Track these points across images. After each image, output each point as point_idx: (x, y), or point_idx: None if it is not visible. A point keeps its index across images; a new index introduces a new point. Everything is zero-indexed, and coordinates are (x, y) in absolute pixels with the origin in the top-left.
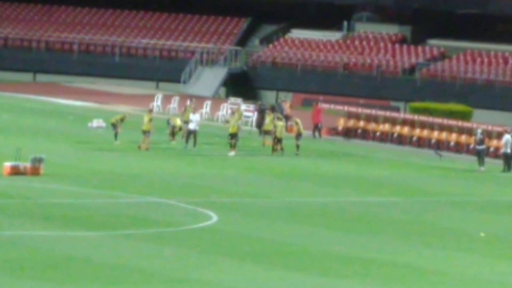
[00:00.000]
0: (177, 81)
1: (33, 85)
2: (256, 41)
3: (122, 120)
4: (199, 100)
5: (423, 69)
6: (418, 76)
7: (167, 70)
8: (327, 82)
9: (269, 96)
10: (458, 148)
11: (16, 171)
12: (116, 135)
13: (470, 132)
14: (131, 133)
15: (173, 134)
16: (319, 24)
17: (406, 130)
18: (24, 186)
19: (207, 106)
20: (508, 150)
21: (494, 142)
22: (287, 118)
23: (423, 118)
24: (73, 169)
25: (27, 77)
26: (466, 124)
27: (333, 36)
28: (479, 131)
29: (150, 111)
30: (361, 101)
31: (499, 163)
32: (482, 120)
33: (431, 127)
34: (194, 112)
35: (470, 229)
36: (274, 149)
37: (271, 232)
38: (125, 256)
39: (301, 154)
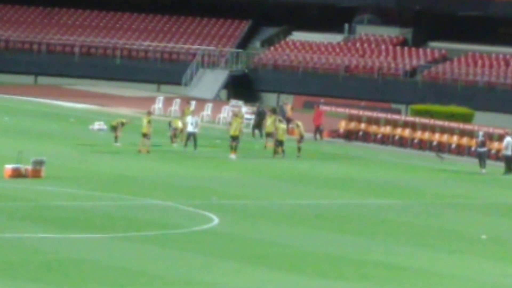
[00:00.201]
0: (178, 83)
1: (34, 87)
2: (257, 44)
3: (123, 124)
4: (200, 102)
5: (424, 71)
6: (419, 78)
7: (168, 73)
8: (328, 85)
9: (270, 99)
10: (460, 150)
11: (17, 174)
12: (116, 138)
13: (471, 134)
14: (132, 135)
15: (174, 136)
16: (320, 26)
17: (407, 132)
18: (25, 189)
19: (208, 109)
20: (509, 153)
21: (495, 145)
22: (288, 120)
23: (424, 120)
24: (74, 171)
25: (28, 79)
26: (467, 127)
27: (334, 38)
28: (481, 133)
29: (149, 113)
30: (362, 103)
31: (501, 165)
32: (484, 123)
33: (433, 129)
34: (193, 115)
35: (471, 232)
36: (275, 152)
37: (272, 234)
38: (127, 259)
39: (302, 156)
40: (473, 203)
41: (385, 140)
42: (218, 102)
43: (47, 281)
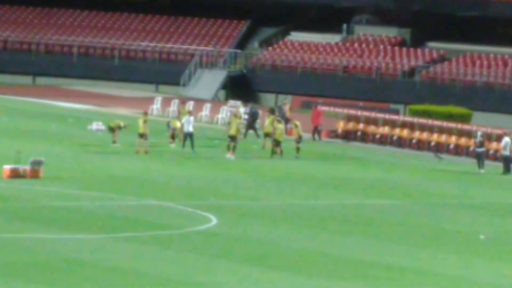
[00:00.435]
0: (177, 84)
1: (32, 87)
2: (255, 44)
3: (120, 128)
4: (199, 103)
5: (423, 71)
6: (417, 78)
7: (167, 73)
8: (327, 85)
9: (268, 99)
10: (458, 150)
11: (15, 174)
12: (114, 138)
13: (469, 134)
14: (130, 136)
15: (173, 137)
16: (319, 26)
17: (405, 132)
18: (23, 189)
19: (206, 109)
20: (508, 153)
21: (493, 145)
22: (286, 120)
23: (422, 120)
24: (72, 171)
25: (26, 79)
26: (465, 127)
27: (333, 38)
28: (479, 133)
29: (145, 113)
30: (361, 103)
31: (499, 165)
32: (482, 123)
33: (431, 129)
34: (190, 115)
35: (470, 232)
36: (273, 152)
37: (271, 234)
38: (125, 259)
39: (301, 156)
40: (471, 203)
41: (384, 140)
42: (216, 102)
43: (45, 282)
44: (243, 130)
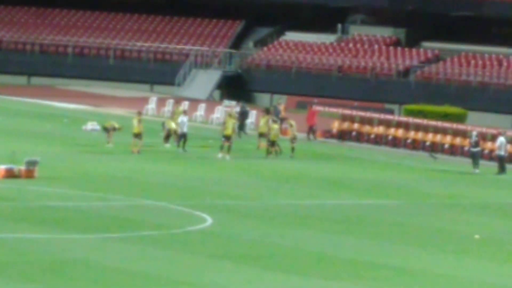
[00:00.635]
0: (171, 84)
1: (27, 88)
2: (250, 44)
3: (115, 129)
4: (193, 103)
5: (418, 71)
6: (412, 78)
7: (161, 73)
8: (322, 85)
9: (263, 99)
10: (453, 150)
11: (10, 174)
12: (108, 138)
13: (464, 134)
14: (125, 136)
15: (167, 137)
16: (314, 26)
17: (400, 132)
18: (18, 189)
19: (201, 109)
20: (502, 152)
21: (488, 144)
22: (282, 120)
23: (417, 120)
24: (67, 171)
25: (21, 80)
26: (460, 127)
27: (328, 38)
28: (474, 133)
29: (139, 113)
30: (356, 103)
31: (494, 165)
32: (477, 122)
33: (426, 129)
34: (185, 114)
35: (465, 231)
36: (268, 152)
37: (266, 234)
38: (119, 259)
39: (296, 156)
40: (466, 203)
41: (378, 140)
42: (211, 102)
43: (40, 282)
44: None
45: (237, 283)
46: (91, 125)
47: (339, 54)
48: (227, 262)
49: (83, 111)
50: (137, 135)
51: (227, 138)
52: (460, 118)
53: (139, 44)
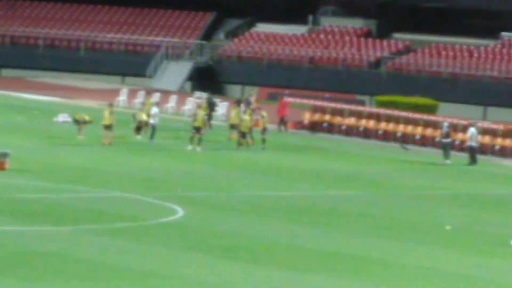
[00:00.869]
0: (143, 75)
1: None
2: (221, 35)
3: (85, 122)
4: (165, 94)
5: (389, 62)
6: (383, 69)
7: (133, 65)
8: (293, 76)
9: (235, 90)
10: (424, 141)
11: None
12: (79, 130)
13: (435, 125)
14: (96, 128)
15: (138, 128)
16: (285, 18)
17: (371, 123)
18: None
19: (172, 101)
20: (473, 143)
21: (459, 135)
22: (253, 112)
23: (388, 111)
24: (38, 164)
25: None
26: (431, 118)
27: (299, 30)
28: (445, 124)
29: (111, 105)
30: (327, 94)
31: (465, 156)
32: (448, 114)
33: (397, 120)
34: (156, 106)
35: (436, 222)
36: (239, 143)
37: (237, 226)
38: (92, 251)
39: (267, 148)
40: (438, 194)
41: (350, 131)
42: (182, 94)
43: (12, 274)
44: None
45: (209, 275)
46: (62, 117)
47: (310, 46)
48: (199, 254)
49: (54, 103)
50: (108, 127)
51: (197, 129)
52: (431, 109)
53: (110, 35)
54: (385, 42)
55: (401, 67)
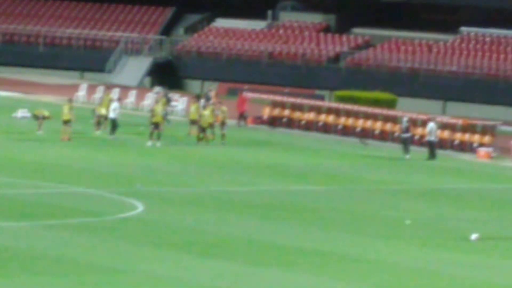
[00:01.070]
0: (102, 70)
1: None
2: (180, 31)
3: (44, 118)
4: (124, 89)
5: (348, 57)
6: (343, 64)
7: (92, 60)
8: (252, 71)
9: (194, 86)
10: (383, 136)
11: None
12: (38, 126)
13: (395, 120)
14: (55, 123)
15: (98, 124)
16: (244, 13)
17: (331, 118)
18: None
19: (132, 96)
20: (433, 138)
21: (419, 130)
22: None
23: (348, 106)
24: None
25: None
26: (391, 112)
27: (258, 25)
28: (405, 119)
29: (70, 100)
30: (286, 90)
31: (424, 150)
32: (407, 108)
33: (356, 115)
34: (116, 101)
35: (395, 217)
36: (199, 138)
37: (198, 221)
38: (52, 246)
39: (227, 143)
40: (397, 188)
41: (309, 126)
42: (142, 89)
43: None
44: (168, 117)
45: (170, 269)
46: (22, 113)
47: (269, 41)
48: (159, 249)
49: (13, 98)
50: (67, 122)
51: (156, 125)
52: (391, 104)
53: (69, 31)
54: (344, 37)
55: (360, 62)
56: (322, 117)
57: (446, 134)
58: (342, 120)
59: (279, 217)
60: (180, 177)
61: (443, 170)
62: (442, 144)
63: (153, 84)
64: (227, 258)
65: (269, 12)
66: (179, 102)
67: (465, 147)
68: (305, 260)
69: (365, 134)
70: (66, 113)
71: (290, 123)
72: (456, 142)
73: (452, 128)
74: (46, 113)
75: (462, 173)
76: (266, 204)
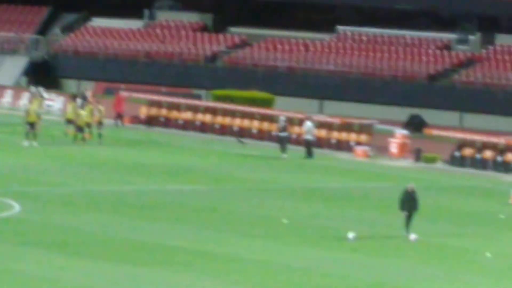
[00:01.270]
0: None
1: None
2: (57, 30)
3: None
4: (0, 89)
5: (225, 56)
6: (220, 64)
7: None
8: (129, 71)
9: (71, 85)
10: (261, 135)
11: None
12: None
13: (272, 119)
14: None
15: None
16: (121, 12)
17: (208, 117)
18: None
19: (8, 96)
20: (310, 137)
21: (296, 129)
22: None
23: (225, 105)
24: None
25: None
26: (268, 111)
27: (135, 24)
28: (282, 118)
29: None
30: (164, 89)
31: (301, 149)
32: (284, 107)
33: (234, 114)
34: None
35: (273, 216)
36: (76, 138)
37: (74, 221)
38: None
39: (104, 142)
40: (274, 187)
41: (187, 125)
42: (18, 89)
43: None
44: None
45: (45, 270)
46: None
47: (146, 40)
48: (37, 249)
49: None
50: None
51: (31, 125)
52: (268, 103)
53: None
54: (221, 36)
55: (237, 61)
56: (200, 116)
57: (323, 133)
58: (220, 119)
59: (155, 217)
60: (57, 177)
61: (320, 169)
62: (319, 143)
63: (29, 83)
64: (106, 259)
65: (146, 11)
66: (56, 101)
67: (342, 146)
68: (183, 259)
69: (242, 133)
70: None
71: (168, 123)
72: (333, 141)
73: (329, 127)
74: None
75: (339, 172)
76: (143, 204)
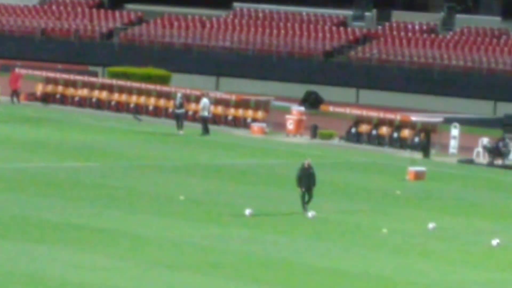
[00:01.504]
0: None
1: None
2: None
3: None
4: None
5: (121, 33)
6: (116, 40)
7: None
8: (25, 48)
9: None
10: (157, 112)
11: None
12: None
13: (168, 96)
14: None
15: None
16: None
17: (104, 94)
18: None
19: None
20: (206, 114)
21: (192, 106)
22: None
23: (121, 82)
24: None
25: None
26: (164, 88)
27: (30, 1)
28: (178, 95)
29: None
30: (60, 66)
31: (198, 126)
32: (181, 84)
33: (130, 91)
34: None
35: (170, 193)
36: None
37: None
38: None
39: None
40: (171, 165)
41: (83, 102)
42: None
43: None
44: None
45: None
46: None
47: (42, 17)
48: None
49: None
50: None
51: None
52: (164, 80)
53: None
54: (117, 13)
55: (133, 38)
56: (96, 93)
57: (219, 109)
58: (116, 96)
59: (54, 194)
60: None
61: (217, 146)
62: (216, 119)
63: None
64: (2, 237)
65: None
66: None
67: (239, 123)
68: (83, 237)
69: (138, 110)
70: None
71: (64, 100)
72: (230, 117)
73: (226, 103)
74: None
75: (236, 149)
76: (41, 181)
